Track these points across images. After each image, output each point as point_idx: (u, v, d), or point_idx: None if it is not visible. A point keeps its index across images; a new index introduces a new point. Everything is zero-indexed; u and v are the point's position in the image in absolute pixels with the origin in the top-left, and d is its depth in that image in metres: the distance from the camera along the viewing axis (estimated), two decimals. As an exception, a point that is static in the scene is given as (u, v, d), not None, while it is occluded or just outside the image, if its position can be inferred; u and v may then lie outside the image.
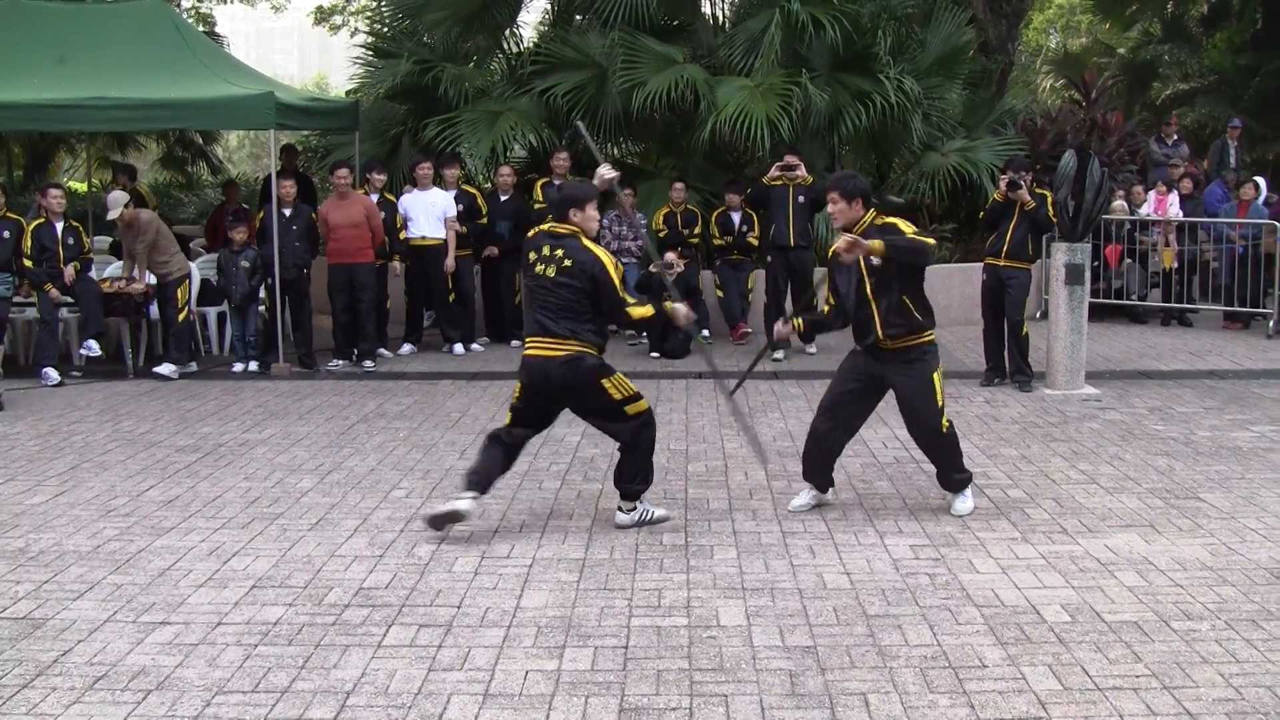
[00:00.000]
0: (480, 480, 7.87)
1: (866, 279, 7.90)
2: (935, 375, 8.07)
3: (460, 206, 15.24)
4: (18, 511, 8.49)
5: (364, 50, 19.79)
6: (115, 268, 15.94)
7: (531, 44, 19.40)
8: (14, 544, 7.75)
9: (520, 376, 8.01)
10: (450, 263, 15.06)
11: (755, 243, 15.77)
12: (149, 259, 14.18)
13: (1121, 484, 8.88)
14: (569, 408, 8.09)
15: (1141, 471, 9.26)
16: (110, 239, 19.01)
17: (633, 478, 7.99)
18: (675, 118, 17.65)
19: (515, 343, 15.61)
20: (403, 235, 14.96)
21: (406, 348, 15.33)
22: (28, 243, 13.75)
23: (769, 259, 14.87)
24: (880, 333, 7.92)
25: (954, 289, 16.97)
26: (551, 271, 7.65)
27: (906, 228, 7.87)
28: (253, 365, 14.23)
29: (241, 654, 5.89)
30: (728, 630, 6.12)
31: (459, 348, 15.24)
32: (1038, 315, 16.28)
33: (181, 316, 14.05)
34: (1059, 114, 21.53)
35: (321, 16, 37.71)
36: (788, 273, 14.71)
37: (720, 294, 15.94)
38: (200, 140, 30.73)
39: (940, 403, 8.07)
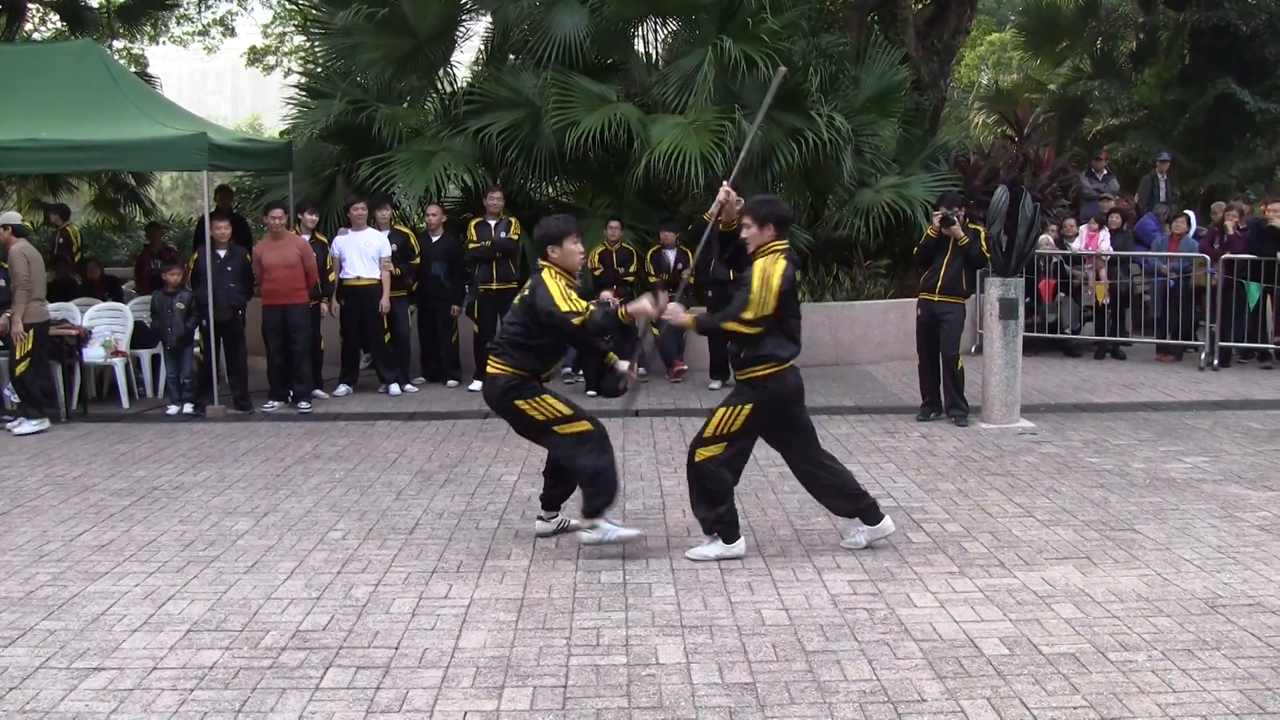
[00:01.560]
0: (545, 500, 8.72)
1: None
2: (728, 408, 8.15)
3: (394, 246, 15.21)
4: (-54, 558, 8.39)
5: (297, 90, 19.71)
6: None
7: (465, 83, 19.38)
8: (-58, 592, 7.66)
9: None
10: (385, 303, 15.02)
11: (690, 280, 15.76)
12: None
13: (1058, 516, 8.94)
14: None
15: (1077, 504, 9.33)
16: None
17: (587, 495, 8.12)
18: (609, 156, 17.65)
19: (452, 383, 15.58)
20: (333, 277, 14.91)
21: (342, 389, 15.26)
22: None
23: (709, 294, 14.92)
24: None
25: (889, 324, 17.08)
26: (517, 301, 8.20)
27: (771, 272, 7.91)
28: (187, 407, 14.12)
29: (177, 699, 5.83)
30: (666, 668, 6.10)
31: (395, 388, 15.18)
32: (973, 350, 16.42)
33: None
34: (992, 150, 21.75)
35: (255, 57, 37.64)
36: (725, 306, 14.72)
37: (655, 332, 15.85)
38: (133, 181, 30.52)
39: (709, 434, 8.15)
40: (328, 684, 5.99)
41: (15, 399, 13.61)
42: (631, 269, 15.97)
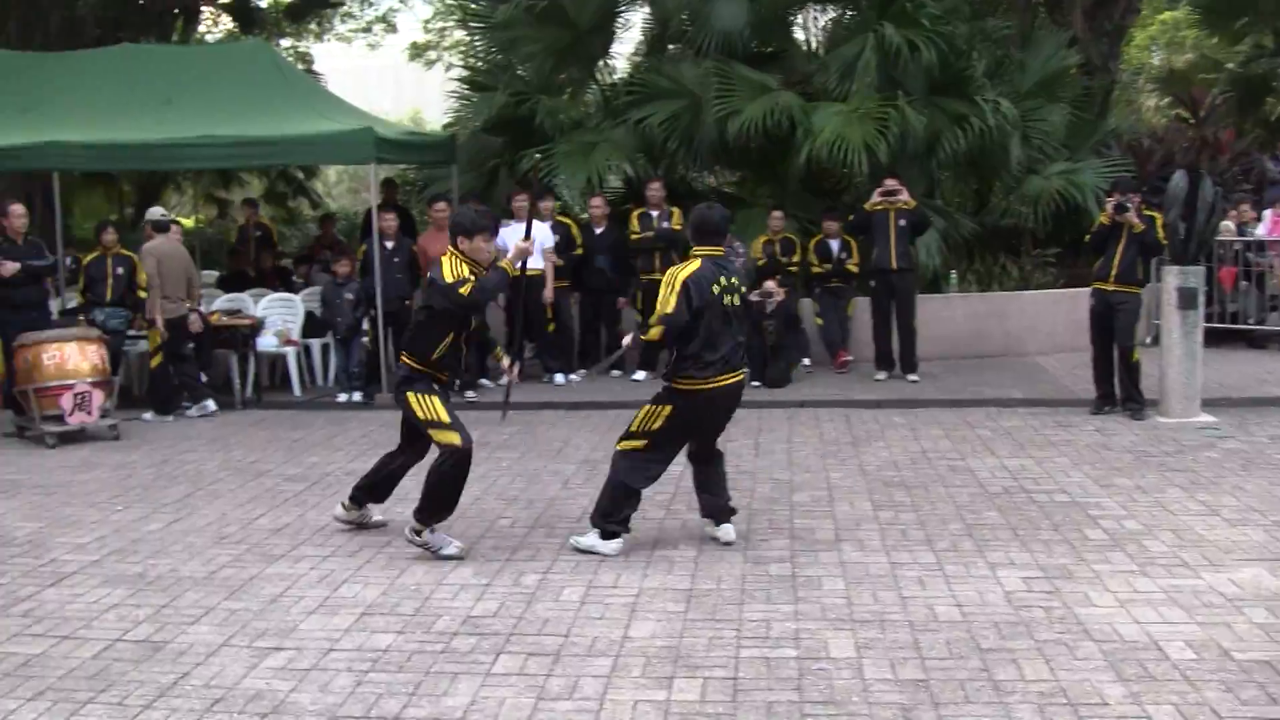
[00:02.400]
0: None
1: None
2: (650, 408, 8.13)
3: (556, 238, 15.28)
4: (135, 538, 8.64)
5: (459, 84, 19.92)
6: (223, 301, 16.14)
7: (626, 74, 19.44)
8: (133, 569, 7.89)
9: None
10: (548, 294, 15.09)
11: (854, 269, 15.70)
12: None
13: (1245, 515, 8.59)
14: None
15: (1266, 503, 8.95)
16: (218, 273, 19.31)
17: (423, 501, 8.00)
18: (771, 145, 17.54)
19: (616, 372, 15.61)
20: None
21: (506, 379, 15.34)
22: (141, 277, 13.97)
23: (871, 283, 14.82)
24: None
25: (1059, 314, 16.76)
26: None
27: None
28: (356, 396, 14.34)
29: (353, 680, 5.92)
30: (837, 662, 6.01)
31: (559, 378, 15.25)
32: (1148, 340, 15.98)
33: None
34: (1166, 133, 21.21)
35: (417, 52, 38.10)
36: (890, 296, 14.68)
37: (820, 322, 15.86)
38: (301, 176, 31.09)
39: (633, 428, 8.16)
40: (499, 670, 6.02)
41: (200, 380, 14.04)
42: (794, 259, 15.87)
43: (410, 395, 8.05)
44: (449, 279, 7.87)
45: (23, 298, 13.18)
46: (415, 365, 8.10)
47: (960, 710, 5.44)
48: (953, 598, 6.98)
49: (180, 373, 13.76)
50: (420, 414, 8.01)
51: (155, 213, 15.15)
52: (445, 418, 8.01)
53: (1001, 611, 6.73)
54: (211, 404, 13.87)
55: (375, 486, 8.64)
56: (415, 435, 8.33)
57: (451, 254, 8.03)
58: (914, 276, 15.15)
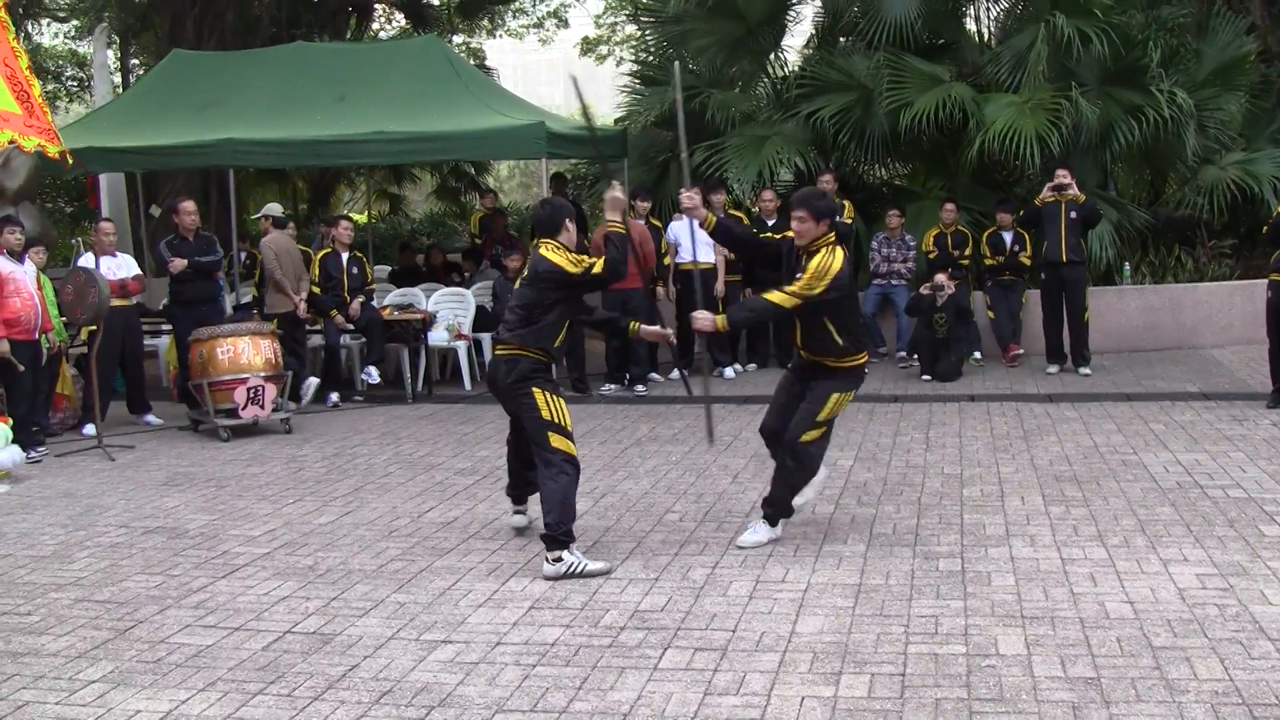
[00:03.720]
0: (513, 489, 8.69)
1: None
2: (840, 395, 8.14)
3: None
4: (306, 531, 8.84)
5: (630, 79, 20.03)
6: (394, 295, 16.42)
7: (796, 67, 19.40)
8: (304, 562, 8.07)
9: None
10: (720, 287, 15.11)
11: (1028, 262, 15.55)
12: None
13: None
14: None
15: None
16: (389, 268, 19.63)
17: (548, 515, 7.65)
18: (942, 137, 17.44)
19: (792, 365, 15.56)
20: (668, 261, 15.10)
21: (677, 373, 15.42)
22: (315, 272, 14.31)
23: (1042, 276, 14.63)
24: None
25: (1235, 306, 16.42)
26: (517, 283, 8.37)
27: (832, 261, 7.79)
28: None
29: (520, 674, 5.98)
30: (1007, 659, 5.99)
31: (729, 371, 15.27)
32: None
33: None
34: (1346, 121, 20.61)
35: (588, 47, 38.31)
36: (1060, 288, 14.50)
37: (991, 315, 15.71)
38: (473, 170, 31.46)
39: (822, 417, 8.09)
40: (666, 664, 6.06)
41: (371, 381, 14.30)
42: (966, 251, 15.75)
43: (538, 391, 7.85)
44: (573, 269, 7.81)
45: (193, 293, 13.58)
46: (539, 357, 7.97)
47: (1131, 709, 5.40)
48: (1124, 594, 6.91)
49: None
50: (546, 413, 7.81)
51: (274, 209, 15.47)
52: (570, 424, 7.92)
53: (1175, 609, 6.64)
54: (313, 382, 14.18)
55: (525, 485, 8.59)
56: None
57: (551, 246, 7.93)
58: (1084, 269, 14.95)
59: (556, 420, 7.81)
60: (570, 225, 8.08)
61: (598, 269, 7.80)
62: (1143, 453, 10.46)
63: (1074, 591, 6.97)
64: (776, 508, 8.15)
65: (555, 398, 7.90)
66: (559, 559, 7.59)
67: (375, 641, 6.50)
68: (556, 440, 7.77)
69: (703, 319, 7.97)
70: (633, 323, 8.71)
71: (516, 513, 8.70)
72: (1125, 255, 17.09)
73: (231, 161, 15.59)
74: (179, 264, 13.39)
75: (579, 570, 7.58)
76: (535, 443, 7.88)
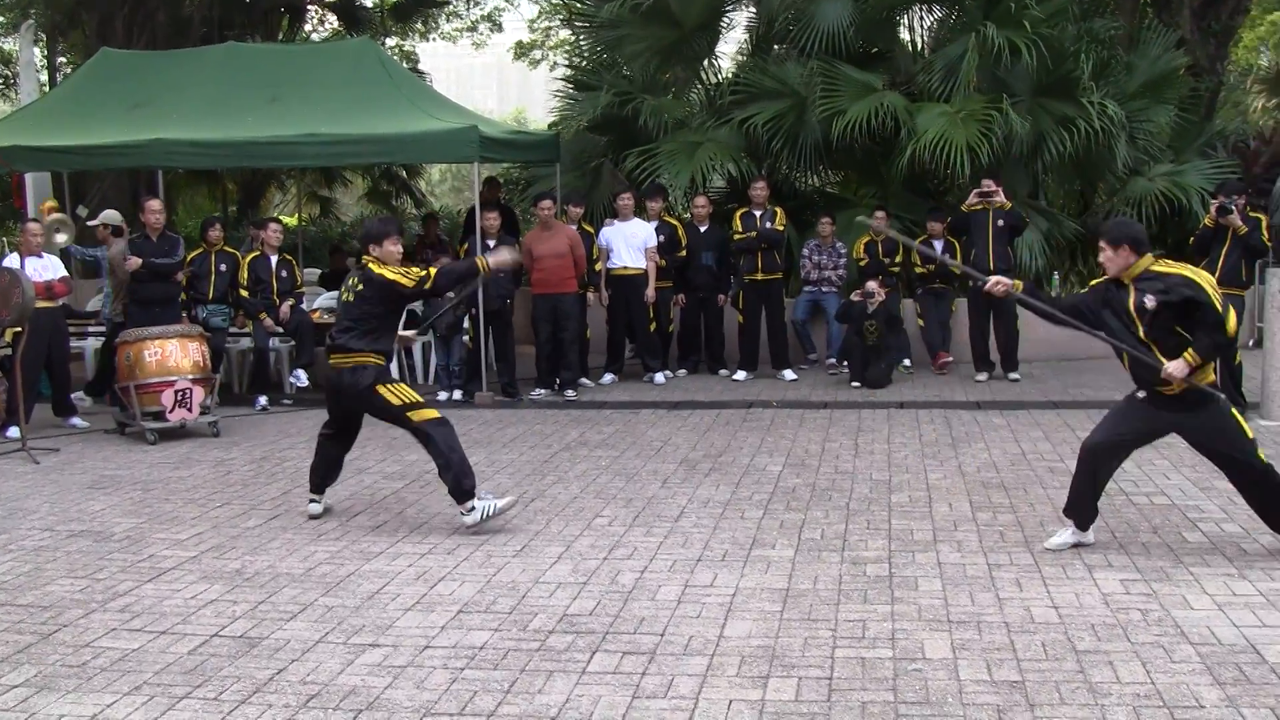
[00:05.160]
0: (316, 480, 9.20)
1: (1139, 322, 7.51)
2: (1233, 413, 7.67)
3: (661, 238, 15.31)
4: (234, 534, 8.75)
5: (564, 83, 20.03)
6: (324, 298, 16.35)
7: (730, 74, 19.47)
8: (231, 565, 7.98)
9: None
10: (650, 293, 15.13)
11: (957, 271, 15.62)
12: None
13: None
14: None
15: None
16: (319, 271, 19.53)
17: (447, 476, 8.56)
18: (875, 145, 17.54)
19: (723, 371, 15.65)
20: (600, 267, 15.11)
21: (608, 377, 15.44)
22: (244, 275, 14.27)
23: (970, 283, 14.74)
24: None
25: (1163, 317, 16.56)
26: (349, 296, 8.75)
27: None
28: (457, 394, 14.44)
29: (449, 677, 5.96)
30: (933, 663, 6.01)
31: (659, 377, 15.28)
32: (1250, 343, 15.76)
33: None
34: (1273, 135, 20.94)
35: (521, 51, 38.30)
36: (989, 297, 14.58)
37: (921, 323, 15.81)
38: (404, 174, 31.36)
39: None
40: (594, 668, 6.04)
41: (300, 384, 14.23)
42: (897, 259, 15.84)
43: (383, 389, 8.64)
44: (408, 283, 8.62)
45: (148, 294, 13.44)
46: (378, 361, 8.67)
47: (1055, 712, 5.44)
48: (1050, 599, 6.96)
49: None
50: (398, 401, 8.63)
51: (112, 216, 15.17)
52: (416, 396, 8.76)
53: (1099, 614, 6.70)
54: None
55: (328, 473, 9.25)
56: (351, 425, 9.13)
57: (372, 260, 8.69)
58: (1013, 277, 15.01)
59: (408, 401, 8.66)
60: (392, 243, 8.77)
61: (429, 285, 8.70)
62: (1069, 460, 10.46)
63: (1000, 596, 7.01)
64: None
65: (395, 385, 8.75)
66: (471, 508, 8.54)
67: (303, 645, 6.44)
68: (417, 416, 8.62)
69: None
70: (479, 259, 9.28)
71: (313, 501, 9.21)
72: (1055, 264, 17.24)
73: (162, 162, 15.42)
74: (134, 263, 13.27)
75: (491, 511, 8.55)
76: (402, 427, 8.81)
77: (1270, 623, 6.48)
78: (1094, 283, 7.75)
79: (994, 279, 8.13)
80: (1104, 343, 7.68)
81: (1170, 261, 7.58)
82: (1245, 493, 7.71)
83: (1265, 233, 12.04)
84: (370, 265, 8.65)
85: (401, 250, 8.90)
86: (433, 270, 8.76)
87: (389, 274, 8.56)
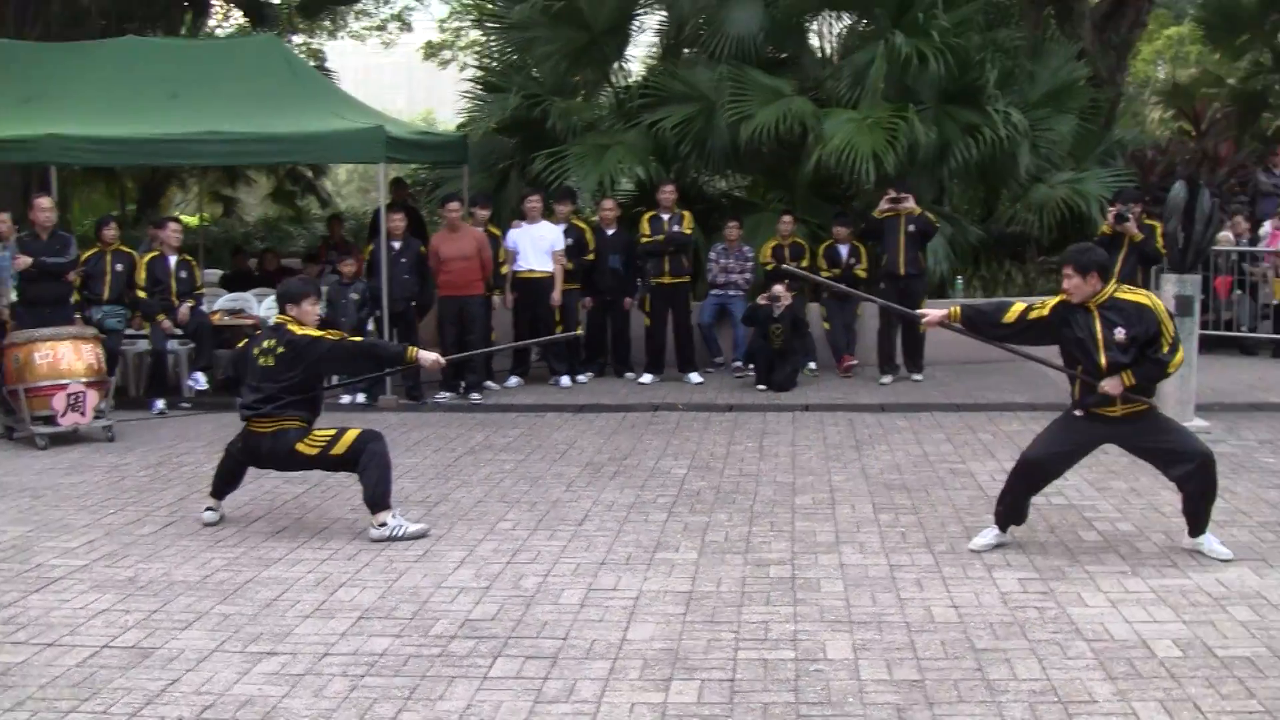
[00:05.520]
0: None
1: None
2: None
3: (569, 240, 15.29)
4: (127, 541, 8.60)
5: (472, 85, 19.94)
6: (225, 300, 16.19)
7: (639, 77, 19.48)
8: (124, 574, 7.85)
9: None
10: (557, 296, 15.10)
11: (863, 275, 15.74)
12: None
13: (1233, 517, 8.70)
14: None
15: (1253, 505, 9.08)
16: (220, 272, 19.31)
17: (371, 486, 8.53)
18: (783, 150, 17.60)
19: (629, 374, 15.65)
20: (506, 269, 15.06)
21: (513, 380, 15.39)
22: (141, 275, 14.09)
23: (881, 287, 14.84)
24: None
25: (1063, 321, 16.74)
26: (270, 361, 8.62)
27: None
28: (360, 397, 14.32)
29: (348, 685, 5.91)
30: (834, 664, 6.07)
31: (565, 380, 15.25)
32: (1147, 348, 15.92)
33: None
34: (1169, 145, 21.24)
35: (430, 52, 38.16)
36: (899, 301, 14.72)
37: (827, 326, 15.89)
38: (310, 174, 31.13)
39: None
40: (496, 673, 6.03)
41: (199, 387, 14.05)
42: (803, 263, 15.89)
43: (303, 446, 8.59)
44: (330, 336, 8.73)
45: (38, 294, 13.16)
46: (302, 424, 8.67)
47: (954, 710, 5.52)
48: (950, 599, 7.05)
49: None
50: (320, 452, 8.60)
51: None
52: (332, 430, 8.70)
53: (997, 612, 6.80)
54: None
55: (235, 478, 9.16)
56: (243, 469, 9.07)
57: (290, 320, 8.71)
58: (923, 283, 15.21)
59: (331, 443, 8.59)
60: (310, 304, 8.83)
61: (344, 342, 8.82)
62: (971, 461, 10.67)
63: (901, 597, 7.10)
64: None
65: (314, 434, 8.66)
66: (383, 523, 8.45)
67: (198, 654, 6.34)
68: (341, 449, 8.57)
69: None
70: (410, 349, 9.13)
71: (209, 509, 9.08)
72: (959, 269, 17.40)
73: (57, 159, 15.06)
74: (23, 261, 13.03)
75: (400, 533, 8.44)
76: (332, 470, 8.92)
77: (1161, 618, 6.63)
78: (1052, 303, 7.81)
79: (925, 315, 8.39)
80: (1037, 362, 7.82)
81: (1128, 287, 7.80)
82: (1184, 483, 7.74)
83: (1160, 240, 12.24)
84: (290, 326, 8.63)
85: (319, 315, 8.94)
86: (354, 339, 8.89)
87: (312, 332, 8.59)
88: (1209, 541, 7.80)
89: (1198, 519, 7.82)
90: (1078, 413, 7.91)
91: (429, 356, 9.00)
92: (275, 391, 8.54)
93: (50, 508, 9.67)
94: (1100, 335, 7.56)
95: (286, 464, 8.79)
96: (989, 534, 8.10)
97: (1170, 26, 37.84)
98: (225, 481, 9.06)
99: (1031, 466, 7.95)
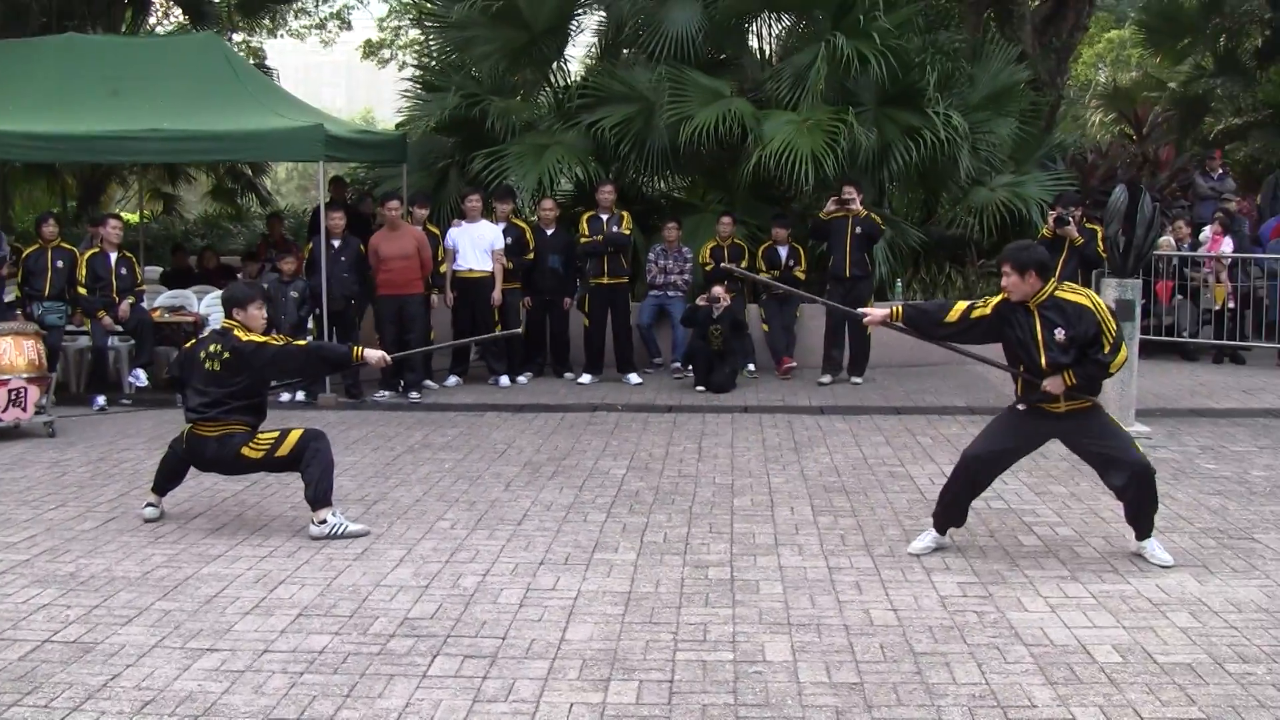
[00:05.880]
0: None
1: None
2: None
3: (509, 240, 15.28)
4: (69, 537, 8.55)
5: (412, 84, 19.88)
6: (166, 297, 16.08)
7: (579, 77, 19.46)
8: (65, 569, 7.80)
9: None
10: (497, 295, 15.08)
11: (802, 276, 15.80)
12: None
13: (1173, 523, 8.74)
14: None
15: (1194, 511, 9.14)
16: (160, 269, 19.19)
17: (312, 485, 8.54)
18: (722, 151, 17.62)
19: (569, 374, 15.66)
20: (445, 268, 15.06)
21: (452, 379, 15.37)
22: (82, 272, 14.00)
23: (827, 289, 14.91)
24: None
25: (1002, 325, 16.84)
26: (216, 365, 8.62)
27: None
28: (300, 395, 14.26)
29: (287, 681, 5.89)
30: (773, 666, 6.06)
31: (504, 380, 15.23)
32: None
33: None
34: (1110, 149, 21.42)
35: (370, 50, 38.00)
36: (845, 303, 14.86)
37: (766, 328, 15.95)
38: (250, 172, 30.95)
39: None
40: (435, 672, 6.02)
41: (139, 384, 14.00)
42: (743, 264, 15.94)
43: (248, 450, 8.61)
44: (274, 341, 8.75)
45: None
46: (247, 429, 8.69)
47: (892, 713, 5.51)
48: (889, 602, 7.05)
49: None
50: (265, 455, 8.61)
51: None
52: (275, 432, 8.70)
53: (936, 616, 6.81)
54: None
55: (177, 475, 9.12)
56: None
57: (236, 326, 8.72)
58: (869, 284, 15.29)
59: (275, 445, 8.60)
60: (256, 308, 8.87)
61: (289, 347, 8.76)
62: (910, 465, 10.72)
63: (840, 599, 7.09)
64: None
65: (258, 437, 8.66)
66: (324, 520, 8.45)
67: (138, 650, 6.32)
68: (285, 450, 8.59)
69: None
70: (355, 348, 9.15)
71: (150, 505, 9.05)
72: (899, 272, 17.46)
73: (-2, 154, 15.03)
74: None
75: (340, 531, 8.45)
76: (276, 471, 8.90)
77: (1100, 623, 6.64)
78: (994, 302, 7.85)
79: (867, 314, 8.35)
80: (979, 361, 7.88)
81: (1071, 285, 7.86)
82: (1122, 493, 7.79)
83: (1100, 244, 12.32)
84: (236, 331, 8.63)
85: (265, 318, 8.93)
86: (300, 341, 8.84)
87: (257, 338, 8.61)
88: (1151, 546, 7.86)
89: (1139, 525, 7.88)
90: (1021, 407, 7.95)
91: (374, 354, 9.02)
92: (220, 396, 8.55)
93: (-10, 503, 9.61)
94: (1040, 335, 7.60)
95: (232, 468, 8.80)
96: (927, 537, 8.13)
97: (1111, 30, 38.11)
98: (167, 478, 9.03)
99: (974, 462, 7.98)
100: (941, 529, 8.13)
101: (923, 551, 8.03)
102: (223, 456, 8.63)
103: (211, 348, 8.62)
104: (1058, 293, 7.65)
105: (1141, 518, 7.84)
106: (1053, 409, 7.78)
